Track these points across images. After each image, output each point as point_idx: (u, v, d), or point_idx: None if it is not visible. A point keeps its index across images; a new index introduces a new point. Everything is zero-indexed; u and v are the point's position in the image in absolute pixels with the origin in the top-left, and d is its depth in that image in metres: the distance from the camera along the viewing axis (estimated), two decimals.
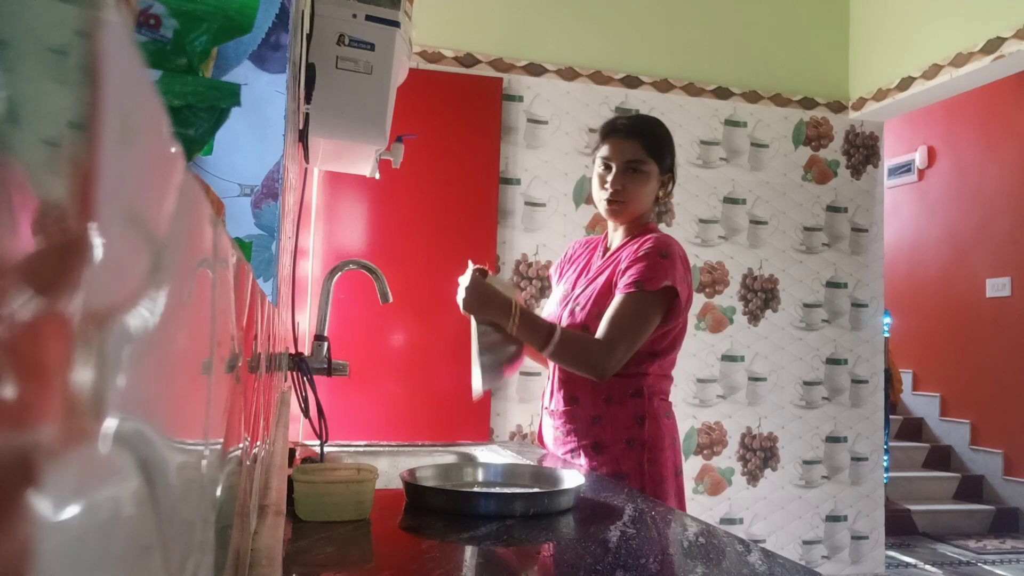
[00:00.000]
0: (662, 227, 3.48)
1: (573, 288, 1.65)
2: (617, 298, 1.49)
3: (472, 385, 1.53)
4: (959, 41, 3.21)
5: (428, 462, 1.51)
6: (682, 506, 1.57)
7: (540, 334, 1.48)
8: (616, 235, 1.66)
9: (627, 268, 1.51)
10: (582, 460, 1.53)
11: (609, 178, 1.59)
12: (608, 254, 1.64)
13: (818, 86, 3.75)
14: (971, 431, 5.28)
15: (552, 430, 1.62)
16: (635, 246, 1.55)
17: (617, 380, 1.52)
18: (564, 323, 1.59)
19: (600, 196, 1.62)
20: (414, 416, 3.03)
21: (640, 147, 1.58)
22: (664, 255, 1.50)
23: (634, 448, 1.50)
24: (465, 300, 1.49)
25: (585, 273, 1.67)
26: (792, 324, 3.65)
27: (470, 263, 1.55)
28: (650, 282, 1.46)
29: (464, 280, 1.51)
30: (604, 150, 1.61)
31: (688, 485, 3.39)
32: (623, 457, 1.50)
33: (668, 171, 1.63)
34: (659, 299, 1.48)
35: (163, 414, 0.20)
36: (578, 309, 1.57)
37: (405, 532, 1.04)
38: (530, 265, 3.34)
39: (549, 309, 1.70)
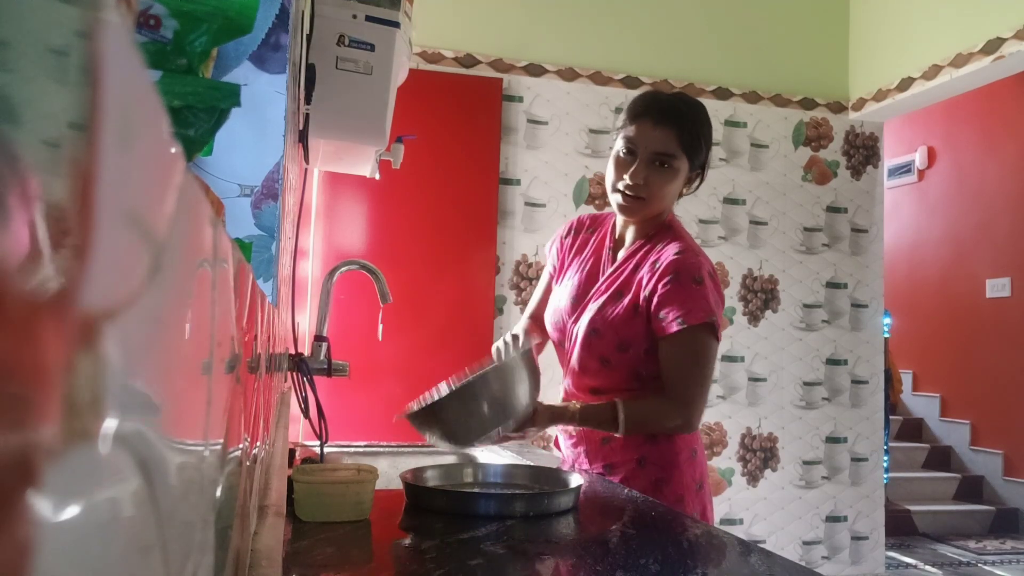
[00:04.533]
0: None
1: (583, 297, 1.48)
2: (666, 346, 1.36)
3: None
4: (959, 41, 3.21)
5: (428, 463, 1.51)
6: (710, 520, 1.45)
7: (605, 421, 1.36)
8: (629, 230, 1.48)
9: (660, 298, 1.35)
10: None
11: (631, 167, 1.38)
12: (621, 259, 1.46)
13: (818, 86, 3.75)
14: (971, 431, 5.28)
15: (566, 449, 1.53)
16: (656, 263, 1.39)
17: (629, 398, 1.41)
18: (578, 348, 1.44)
19: (615, 185, 1.40)
20: None
21: (674, 138, 1.37)
22: (698, 281, 1.35)
23: (645, 467, 1.40)
24: (541, 425, 1.37)
25: (594, 278, 1.49)
26: (792, 325, 3.65)
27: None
28: (691, 315, 1.33)
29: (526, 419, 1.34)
30: (630, 131, 1.38)
31: None
32: (634, 478, 1.39)
33: (700, 167, 1.43)
34: (705, 330, 1.35)
35: (163, 414, 0.20)
36: (595, 337, 1.41)
37: (405, 532, 1.04)
38: (530, 265, 3.34)
39: (554, 316, 1.52)
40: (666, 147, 1.37)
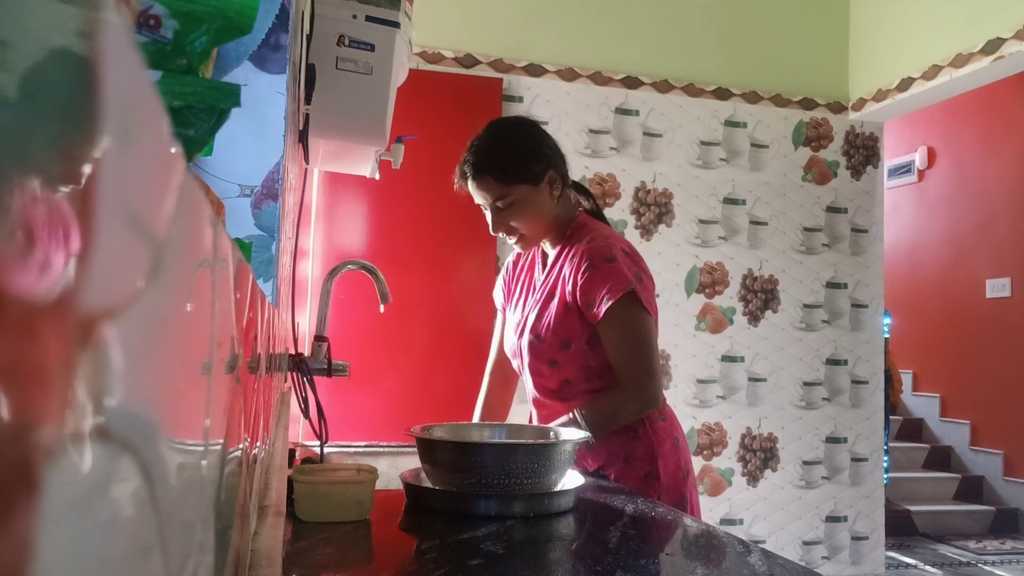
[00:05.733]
0: (661, 227, 3.48)
1: (525, 311, 1.54)
2: (602, 331, 1.40)
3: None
4: (959, 42, 3.21)
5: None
6: (695, 510, 1.48)
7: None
8: (546, 243, 1.54)
9: (582, 289, 1.40)
10: None
11: (490, 223, 1.49)
12: (548, 266, 1.52)
13: (818, 87, 3.75)
14: (971, 432, 5.28)
15: None
16: (573, 255, 1.45)
17: (596, 397, 1.44)
18: (526, 357, 1.49)
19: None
20: (414, 416, 3.02)
21: (493, 182, 1.44)
22: (609, 259, 1.40)
23: (633, 464, 1.42)
24: None
25: (532, 292, 1.55)
26: (792, 325, 3.65)
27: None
28: (612, 292, 1.37)
29: None
30: (471, 193, 1.49)
31: None
32: (624, 476, 1.42)
33: (545, 172, 1.46)
34: (631, 301, 1.38)
35: (163, 414, 0.20)
36: (538, 343, 1.46)
37: (405, 532, 1.04)
38: None
39: (508, 342, 1.59)
40: (492, 193, 1.45)
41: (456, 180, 1.50)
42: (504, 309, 1.69)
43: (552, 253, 1.53)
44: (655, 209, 3.50)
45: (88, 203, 0.13)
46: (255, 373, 0.54)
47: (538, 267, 1.57)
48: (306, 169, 1.78)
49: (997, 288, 5.16)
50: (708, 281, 3.55)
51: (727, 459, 3.53)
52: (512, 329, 1.58)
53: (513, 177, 1.44)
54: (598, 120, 3.45)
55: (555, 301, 1.46)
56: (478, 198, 1.48)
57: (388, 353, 3.09)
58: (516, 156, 1.46)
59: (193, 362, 0.24)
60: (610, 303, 1.37)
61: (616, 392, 1.42)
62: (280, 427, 1.09)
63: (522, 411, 3.27)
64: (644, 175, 3.49)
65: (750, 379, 3.58)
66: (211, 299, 0.28)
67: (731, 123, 3.62)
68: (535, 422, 1.59)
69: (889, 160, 5.79)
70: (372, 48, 1.41)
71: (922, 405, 5.68)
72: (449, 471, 1.13)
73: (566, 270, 1.45)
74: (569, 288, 1.43)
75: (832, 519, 3.64)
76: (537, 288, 1.53)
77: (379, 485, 1.06)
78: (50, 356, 0.12)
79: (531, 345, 1.48)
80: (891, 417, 5.11)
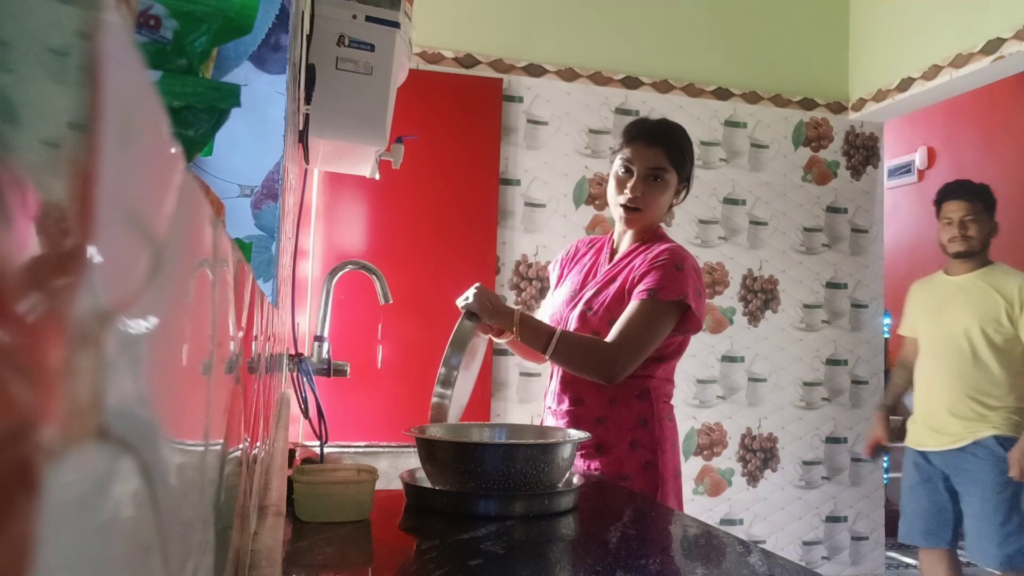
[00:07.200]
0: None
1: (581, 289, 1.64)
2: (631, 304, 1.50)
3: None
4: (959, 42, 3.21)
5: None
6: (680, 508, 1.58)
7: (541, 336, 1.48)
8: (625, 239, 1.65)
9: (642, 276, 1.52)
10: (583, 461, 1.54)
11: (629, 183, 1.58)
12: (617, 259, 1.63)
13: (818, 87, 3.75)
14: None
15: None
16: (648, 254, 1.55)
17: (623, 382, 1.52)
18: (573, 324, 1.59)
19: (616, 200, 1.60)
20: (414, 416, 3.02)
21: (663, 155, 1.58)
22: (679, 267, 1.51)
23: (637, 450, 1.52)
24: (478, 301, 1.48)
25: (592, 275, 1.66)
26: (792, 325, 3.65)
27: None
28: (663, 291, 1.48)
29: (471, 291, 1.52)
30: (626, 153, 1.60)
31: (688, 486, 3.39)
32: (626, 459, 1.51)
33: (685, 180, 1.63)
34: (671, 310, 1.49)
35: (163, 415, 0.20)
36: (589, 313, 1.57)
37: (405, 532, 1.04)
38: (530, 266, 3.34)
39: (551, 310, 1.69)
40: (658, 162, 1.58)
41: (625, 134, 1.63)
42: (554, 286, 1.78)
43: (624, 249, 1.64)
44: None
45: (88, 203, 0.13)
46: (255, 373, 0.54)
47: (604, 256, 1.68)
48: (306, 169, 1.78)
49: None
50: (708, 281, 3.55)
51: (727, 459, 3.53)
52: (560, 300, 1.68)
53: (677, 162, 1.60)
54: (598, 120, 3.45)
55: (615, 285, 1.57)
56: (635, 156, 1.58)
57: (388, 353, 3.09)
58: (687, 149, 1.65)
59: (193, 362, 0.24)
60: (656, 298, 1.48)
61: (598, 342, 1.49)
62: (280, 427, 1.09)
63: (523, 412, 3.27)
64: None
65: (750, 379, 3.58)
66: (211, 299, 0.28)
67: (731, 123, 3.62)
68: (555, 382, 1.65)
69: (889, 160, 5.79)
70: (372, 48, 1.41)
71: None
72: (449, 471, 1.13)
73: (637, 261, 1.57)
74: (635, 276, 1.53)
75: (832, 519, 3.64)
76: (600, 273, 1.64)
77: (379, 485, 1.06)
78: (50, 356, 0.12)
79: (581, 314, 1.59)
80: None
